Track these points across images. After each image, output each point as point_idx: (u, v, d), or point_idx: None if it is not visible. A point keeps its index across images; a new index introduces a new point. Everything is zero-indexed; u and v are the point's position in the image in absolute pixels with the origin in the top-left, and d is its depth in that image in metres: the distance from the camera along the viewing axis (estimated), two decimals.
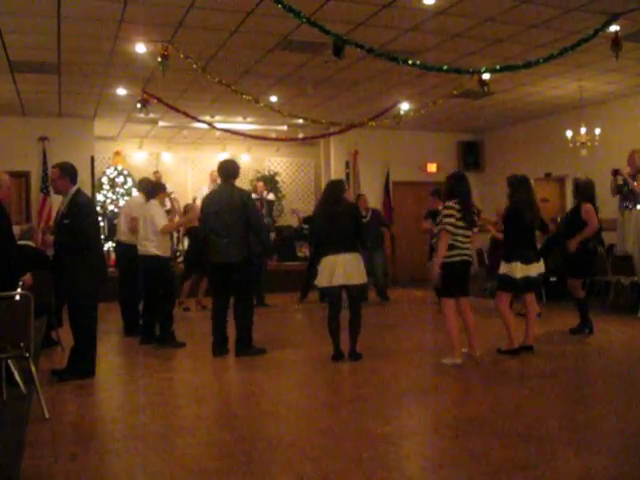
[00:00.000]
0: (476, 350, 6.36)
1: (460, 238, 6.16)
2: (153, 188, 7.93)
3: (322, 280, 6.44)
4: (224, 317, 6.93)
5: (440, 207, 6.86)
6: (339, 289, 6.44)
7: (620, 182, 9.60)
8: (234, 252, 6.75)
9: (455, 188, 6.27)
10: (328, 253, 6.38)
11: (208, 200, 7.15)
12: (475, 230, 6.36)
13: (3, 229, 5.28)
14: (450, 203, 6.20)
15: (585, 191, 7.79)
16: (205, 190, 14.11)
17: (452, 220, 6.12)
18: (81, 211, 5.86)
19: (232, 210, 6.78)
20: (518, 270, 6.48)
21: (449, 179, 6.46)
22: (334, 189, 6.70)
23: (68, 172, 5.94)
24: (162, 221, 7.53)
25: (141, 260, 7.64)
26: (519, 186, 6.61)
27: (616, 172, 9.60)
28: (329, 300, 6.58)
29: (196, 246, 10.59)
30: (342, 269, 6.29)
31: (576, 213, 7.77)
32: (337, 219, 6.41)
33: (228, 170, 7.06)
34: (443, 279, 6.21)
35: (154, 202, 7.69)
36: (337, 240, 6.35)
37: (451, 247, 6.15)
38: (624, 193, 9.62)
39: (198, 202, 12.93)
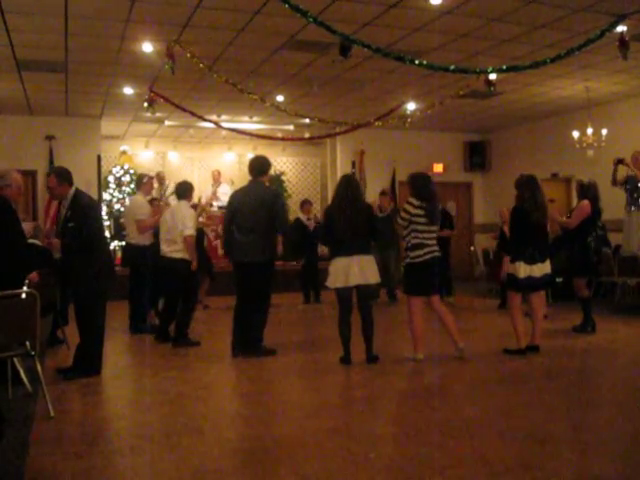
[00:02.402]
0: (459, 342, 6.42)
1: (427, 235, 6.29)
2: (182, 189, 7.67)
3: (336, 281, 6.27)
4: (245, 317, 6.78)
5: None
6: (351, 290, 6.33)
7: (623, 173, 9.56)
8: (255, 252, 6.62)
9: (424, 189, 6.35)
10: (341, 254, 6.26)
11: (235, 196, 7.04)
12: (434, 229, 6.40)
13: (11, 227, 5.29)
14: (411, 199, 6.30)
15: (587, 191, 7.86)
16: (210, 190, 14.17)
17: (407, 216, 6.27)
18: (86, 213, 5.88)
19: (258, 209, 6.64)
20: (521, 270, 6.51)
21: (416, 179, 6.45)
22: (349, 186, 6.41)
23: (65, 177, 5.90)
24: (191, 222, 7.44)
25: (165, 262, 7.53)
26: (526, 186, 6.61)
27: (620, 161, 9.54)
28: (340, 302, 6.39)
29: (197, 247, 10.57)
30: (357, 268, 6.19)
31: None
32: (353, 219, 6.22)
33: (255, 166, 6.89)
34: (412, 278, 6.31)
35: (183, 203, 7.58)
36: (352, 241, 6.22)
37: (421, 246, 6.26)
38: (629, 189, 9.60)
39: (203, 201, 12.98)
